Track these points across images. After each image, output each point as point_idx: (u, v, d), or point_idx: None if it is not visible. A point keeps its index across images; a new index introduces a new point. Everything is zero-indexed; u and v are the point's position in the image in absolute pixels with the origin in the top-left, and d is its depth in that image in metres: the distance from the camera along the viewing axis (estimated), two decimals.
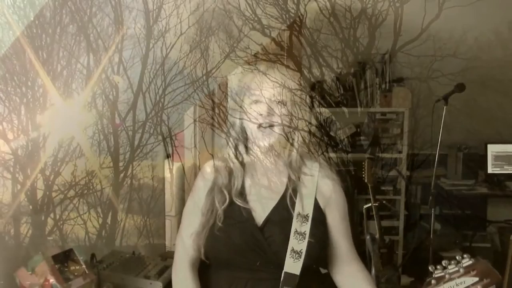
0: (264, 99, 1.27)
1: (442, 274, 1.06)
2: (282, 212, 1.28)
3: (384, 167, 3.47)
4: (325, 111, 3.31)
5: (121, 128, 2.27)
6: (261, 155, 1.32)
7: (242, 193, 1.31)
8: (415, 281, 2.96)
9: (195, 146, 2.56)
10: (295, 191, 1.30)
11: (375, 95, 3.29)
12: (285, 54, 2.59)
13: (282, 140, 1.31)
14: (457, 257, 1.07)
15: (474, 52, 3.03)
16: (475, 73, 3.09)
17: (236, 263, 1.27)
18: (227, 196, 1.29)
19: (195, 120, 2.50)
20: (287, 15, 2.54)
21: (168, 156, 2.62)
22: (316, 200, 1.31)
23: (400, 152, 3.33)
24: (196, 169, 2.58)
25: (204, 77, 2.27)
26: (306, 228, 1.25)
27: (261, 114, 1.27)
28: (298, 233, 1.25)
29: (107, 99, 2.15)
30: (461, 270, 1.04)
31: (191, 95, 2.31)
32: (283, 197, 1.30)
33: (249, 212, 1.28)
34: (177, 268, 1.38)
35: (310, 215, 1.27)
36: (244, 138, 1.33)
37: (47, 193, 1.99)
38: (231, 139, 1.34)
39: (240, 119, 1.32)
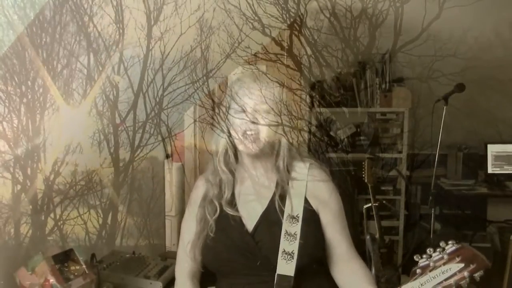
0: (249, 108, 1.28)
1: (427, 262, 1.04)
2: (272, 216, 1.29)
3: (384, 167, 3.47)
4: (325, 111, 3.31)
5: (121, 128, 2.27)
6: (249, 160, 1.33)
7: (231, 201, 1.32)
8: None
9: (195, 146, 2.56)
10: (282, 195, 1.30)
11: (375, 95, 3.29)
12: (285, 54, 2.59)
13: (268, 147, 1.31)
14: (441, 244, 1.05)
15: (474, 52, 3.03)
16: (475, 73, 3.09)
17: (231, 269, 1.28)
18: (218, 207, 1.31)
19: (195, 120, 2.50)
20: (287, 15, 2.54)
21: (168, 156, 2.62)
22: (307, 200, 1.31)
23: (400, 152, 3.33)
24: (196, 169, 2.58)
25: (204, 77, 2.27)
26: (297, 228, 1.25)
27: (246, 122, 1.28)
28: (288, 234, 1.25)
29: (107, 99, 2.15)
30: (445, 257, 1.02)
31: (191, 95, 2.30)
32: (272, 200, 1.31)
33: (239, 218, 1.29)
34: (177, 280, 1.41)
35: (300, 216, 1.27)
36: (232, 144, 1.34)
37: (47, 193, 1.99)
38: (221, 145, 1.35)
39: (229, 121, 1.32)
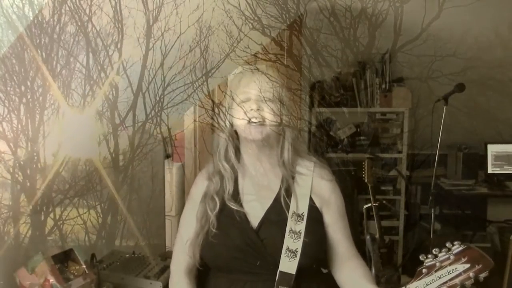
0: (253, 95, 1.29)
1: (433, 262, 1.05)
2: (277, 213, 1.28)
3: (384, 167, 3.47)
4: (325, 111, 3.31)
5: (121, 128, 2.27)
6: (253, 154, 1.33)
7: (235, 196, 1.32)
8: None
9: (195, 146, 2.56)
10: (288, 191, 1.30)
11: (375, 95, 3.29)
12: (285, 54, 2.59)
13: (274, 137, 1.31)
14: (447, 244, 1.06)
15: (474, 52, 3.04)
16: (475, 73, 3.10)
17: (233, 266, 1.28)
18: (218, 202, 1.30)
19: (195, 120, 2.50)
20: (287, 15, 2.54)
21: (168, 156, 2.62)
22: (311, 199, 1.31)
23: (400, 152, 3.33)
24: (196, 169, 2.58)
25: (204, 77, 2.27)
26: (301, 227, 1.25)
27: (251, 109, 1.28)
28: (293, 232, 1.25)
29: (107, 99, 2.15)
30: (452, 257, 1.03)
31: (191, 95, 2.30)
32: (277, 197, 1.30)
33: (243, 215, 1.29)
34: (173, 276, 1.40)
35: (305, 214, 1.27)
36: (234, 138, 1.35)
37: (47, 193, 1.99)
38: (221, 140, 1.35)
39: (230, 115, 1.33)
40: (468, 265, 1.01)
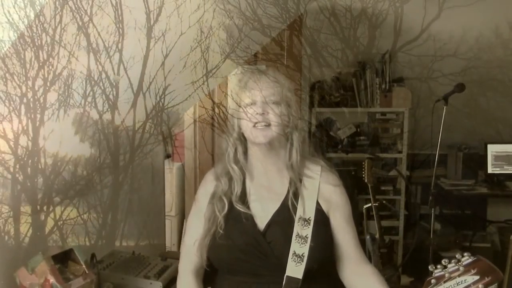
0: (259, 98, 1.30)
1: (442, 273, 1.05)
2: (284, 216, 1.28)
3: (384, 167, 3.47)
4: (325, 111, 3.32)
5: (121, 128, 2.27)
6: (261, 156, 1.33)
7: (243, 198, 1.32)
8: (415, 281, 2.97)
9: (195, 146, 2.56)
10: (296, 194, 1.30)
11: (375, 95, 3.29)
12: (285, 54, 2.59)
13: (281, 140, 1.31)
14: (457, 256, 1.06)
15: (474, 52, 3.04)
16: (475, 73, 3.10)
17: (239, 268, 1.28)
18: (226, 203, 1.30)
19: (195, 120, 2.50)
20: (287, 15, 2.54)
21: (168, 156, 2.62)
22: (318, 203, 1.31)
23: (400, 152, 3.33)
24: (196, 169, 2.58)
25: (204, 77, 2.27)
26: (308, 231, 1.25)
27: (257, 113, 1.28)
28: (299, 237, 1.25)
29: (107, 99, 2.15)
30: (461, 269, 1.03)
31: (191, 95, 2.30)
32: (285, 200, 1.30)
33: (250, 217, 1.29)
34: (180, 276, 1.39)
35: (312, 219, 1.27)
36: (242, 140, 1.35)
37: (47, 193, 1.99)
38: (230, 142, 1.35)
39: (238, 118, 1.33)
40: (477, 277, 1.01)
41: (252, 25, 2.35)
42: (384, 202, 3.23)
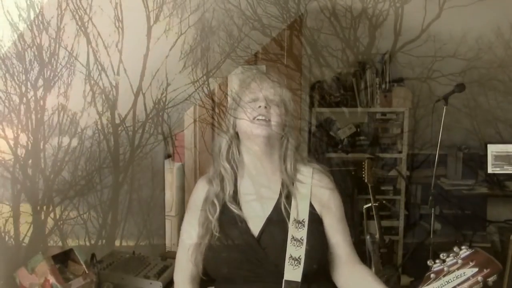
0: (261, 96, 1.31)
1: (441, 267, 1.04)
2: (278, 220, 1.28)
3: (384, 167, 3.47)
4: (325, 111, 3.31)
5: (121, 128, 2.27)
6: (255, 154, 1.33)
7: (235, 198, 1.32)
8: (415, 281, 2.97)
9: (195, 146, 2.56)
10: (288, 197, 1.30)
11: (375, 95, 3.29)
12: (285, 54, 2.59)
13: (276, 142, 1.32)
14: (455, 249, 1.05)
15: (474, 52, 3.03)
16: (475, 73, 3.10)
17: (235, 276, 1.27)
18: (218, 205, 1.30)
19: (195, 120, 2.50)
20: (287, 15, 2.54)
21: (168, 156, 2.62)
22: (311, 205, 1.31)
23: (400, 152, 3.33)
24: (196, 169, 2.58)
25: (205, 77, 2.27)
26: (303, 233, 1.25)
27: (259, 107, 1.29)
28: (295, 239, 1.24)
29: (107, 99, 2.15)
30: (460, 262, 1.02)
31: (191, 94, 2.30)
32: (277, 204, 1.30)
33: (244, 222, 1.28)
34: (177, 283, 1.39)
35: (306, 220, 1.27)
36: (237, 139, 1.35)
37: (47, 193, 1.99)
38: (225, 139, 1.36)
39: (234, 117, 1.33)
40: (476, 269, 1.00)
41: (252, 24, 2.35)
42: (384, 202, 3.23)
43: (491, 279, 1.00)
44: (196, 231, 1.31)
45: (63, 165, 2.03)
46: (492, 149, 3.42)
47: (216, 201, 1.31)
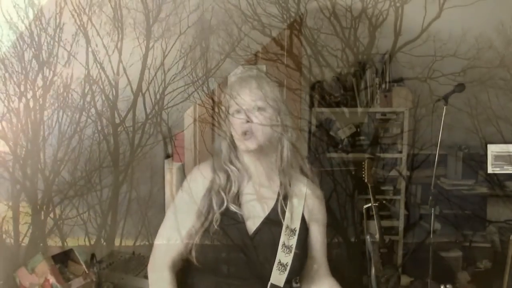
0: (244, 106, 1.30)
1: None
2: (273, 221, 1.30)
3: (384, 167, 3.47)
4: (325, 111, 3.31)
5: (121, 128, 2.27)
6: (253, 160, 1.34)
7: (237, 198, 1.32)
8: (415, 281, 2.97)
9: (195, 146, 2.56)
10: (286, 198, 1.32)
11: (375, 95, 3.29)
12: (285, 54, 2.59)
13: (271, 145, 1.32)
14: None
15: (474, 52, 3.03)
16: (476, 73, 3.09)
17: (222, 268, 1.27)
18: (225, 199, 1.30)
19: (195, 120, 2.50)
20: (287, 14, 2.54)
21: (168, 156, 2.62)
22: (302, 214, 1.33)
23: (400, 152, 3.33)
24: None
25: (204, 77, 2.27)
26: (293, 241, 1.28)
27: (242, 122, 1.29)
28: (285, 246, 1.27)
29: (107, 99, 2.15)
30: None
31: (191, 94, 2.30)
32: (274, 207, 1.32)
33: (241, 219, 1.29)
34: (155, 270, 1.35)
35: (297, 229, 1.30)
36: (233, 145, 1.35)
37: (47, 193, 1.99)
38: (225, 144, 1.36)
39: (228, 126, 1.34)
40: None
41: (252, 24, 2.35)
42: (384, 202, 3.23)
43: None
44: (194, 218, 1.29)
45: (62, 165, 2.03)
46: (492, 149, 3.41)
47: (223, 193, 1.30)
